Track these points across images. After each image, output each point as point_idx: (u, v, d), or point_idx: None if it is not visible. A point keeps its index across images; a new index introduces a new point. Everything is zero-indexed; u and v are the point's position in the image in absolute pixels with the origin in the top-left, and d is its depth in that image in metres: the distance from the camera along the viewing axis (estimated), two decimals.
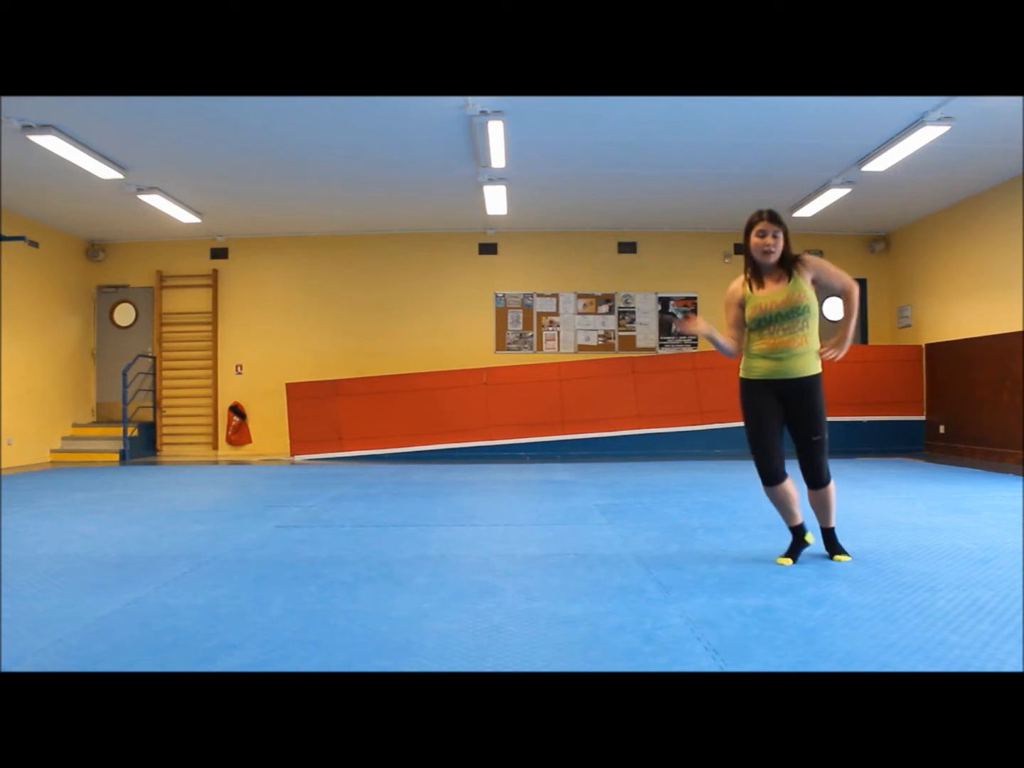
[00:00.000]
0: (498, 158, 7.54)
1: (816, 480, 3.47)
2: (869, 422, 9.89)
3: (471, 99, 6.07)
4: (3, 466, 8.97)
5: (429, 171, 8.21)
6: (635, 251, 11.12)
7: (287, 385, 10.02)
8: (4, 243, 8.80)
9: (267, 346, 11.03)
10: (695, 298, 11.09)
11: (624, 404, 9.91)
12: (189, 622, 2.67)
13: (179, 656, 2.32)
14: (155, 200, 8.84)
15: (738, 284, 3.50)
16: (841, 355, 3.47)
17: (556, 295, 11.11)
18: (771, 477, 3.47)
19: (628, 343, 11.08)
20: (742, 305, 3.47)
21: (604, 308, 11.07)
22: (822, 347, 3.44)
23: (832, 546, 3.57)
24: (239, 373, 11.10)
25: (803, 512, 3.58)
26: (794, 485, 3.52)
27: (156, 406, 11.07)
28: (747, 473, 7.47)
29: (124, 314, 11.31)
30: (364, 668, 2.20)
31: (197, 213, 9.63)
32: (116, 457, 10.20)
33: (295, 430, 9.92)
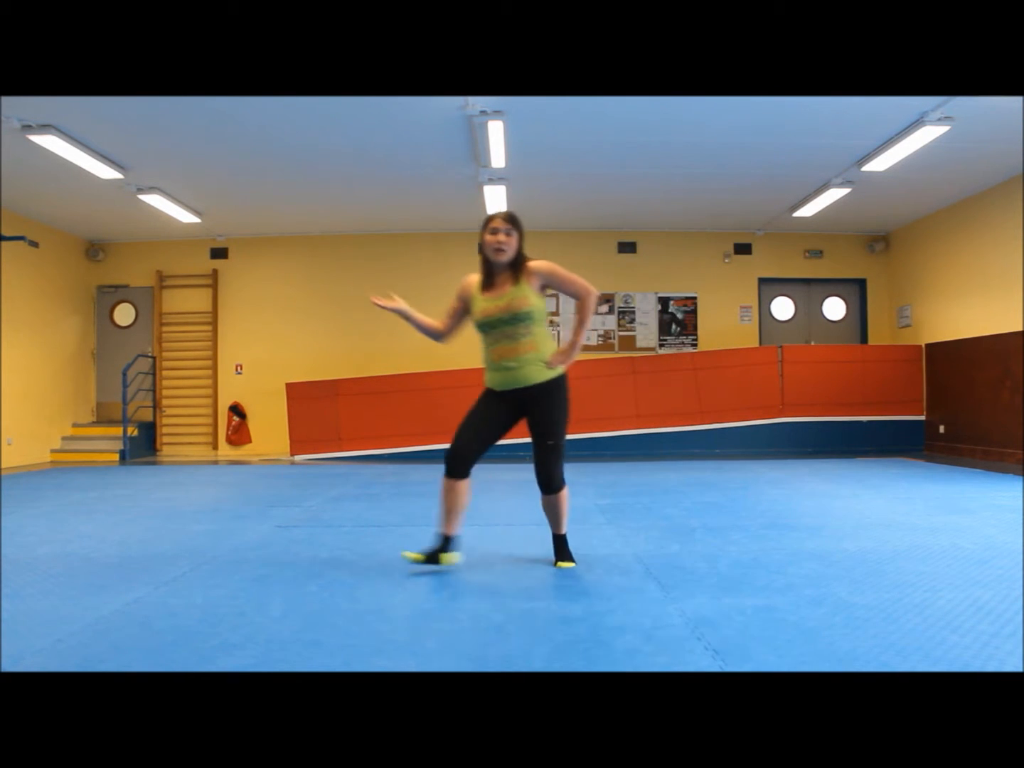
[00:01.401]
0: (498, 158, 7.54)
1: (548, 486, 3.37)
2: (869, 422, 9.89)
3: (471, 99, 6.07)
4: (3, 466, 8.97)
5: (429, 171, 8.21)
6: (635, 251, 11.12)
7: (287, 385, 10.02)
8: (4, 243, 8.80)
9: (267, 346, 11.03)
10: (695, 298, 11.09)
11: (624, 404, 9.90)
12: (189, 622, 2.67)
13: (179, 656, 2.32)
14: (155, 200, 8.84)
15: (470, 279, 3.42)
16: (568, 363, 3.35)
17: (556, 295, 11.10)
18: (457, 468, 3.31)
19: (628, 343, 11.08)
20: (466, 301, 3.39)
21: (604, 308, 11.07)
22: (552, 356, 3.33)
23: (560, 552, 3.48)
24: (239, 373, 11.10)
25: (536, 521, 3.49)
26: (470, 494, 3.40)
27: (156, 406, 11.07)
28: (747, 473, 7.49)
29: (124, 314, 11.31)
30: (364, 668, 2.20)
31: (197, 213, 9.63)
32: (116, 457, 10.20)
33: (295, 430, 9.92)
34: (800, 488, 6.31)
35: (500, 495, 6.28)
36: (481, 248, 3.34)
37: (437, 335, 3.50)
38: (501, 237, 3.25)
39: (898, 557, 3.60)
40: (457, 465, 3.32)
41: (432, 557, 3.36)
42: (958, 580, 3.14)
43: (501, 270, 3.32)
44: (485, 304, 3.30)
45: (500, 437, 3.41)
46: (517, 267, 3.30)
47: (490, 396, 3.40)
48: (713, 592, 2.98)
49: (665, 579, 3.20)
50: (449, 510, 3.35)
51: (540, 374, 3.30)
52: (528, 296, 3.27)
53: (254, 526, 4.74)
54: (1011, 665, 2.14)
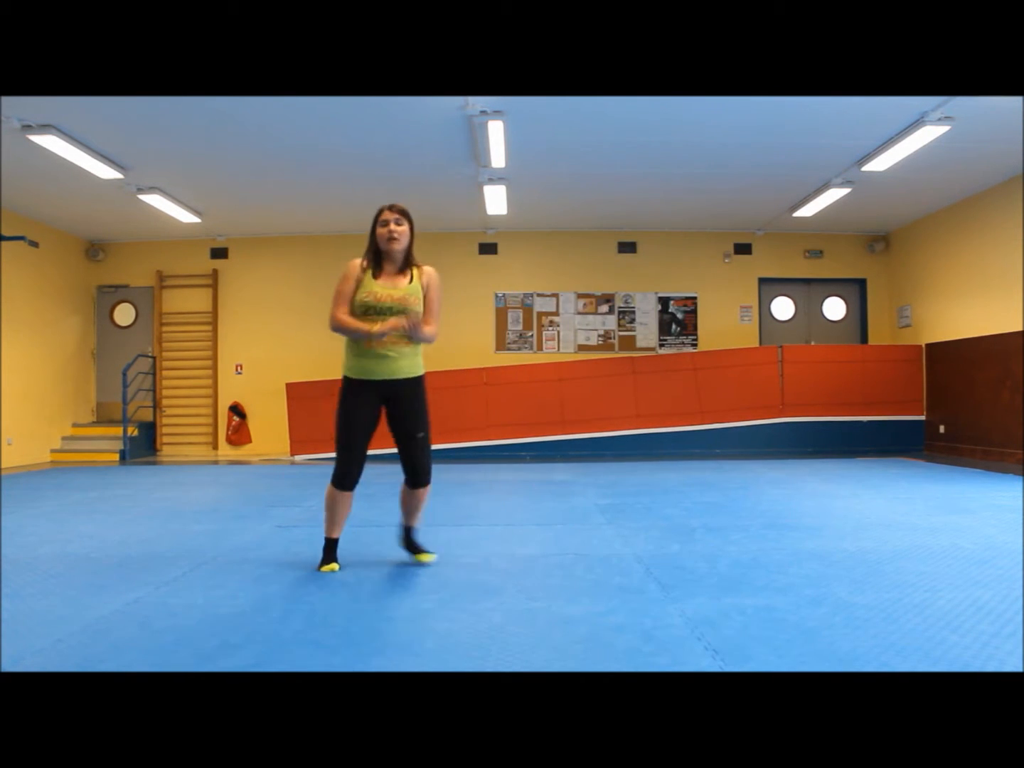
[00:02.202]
0: (498, 158, 7.54)
1: (425, 477, 3.44)
2: (869, 422, 9.89)
3: (471, 99, 6.07)
4: (3, 466, 8.97)
5: (429, 171, 8.21)
6: (635, 251, 11.11)
7: (287, 385, 10.01)
8: (4, 243, 8.80)
9: (267, 346, 11.03)
10: (695, 298, 11.09)
11: (624, 404, 9.90)
12: (189, 622, 2.67)
13: (179, 656, 2.32)
14: (155, 200, 8.84)
15: (359, 261, 3.40)
16: (412, 333, 3.31)
17: (556, 295, 11.11)
18: (351, 481, 3.40)
19: (628, 343, 11.07)
20: (357, 283, 3.36)
21: (604, 308, 11.07)
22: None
23: (413, 545, 3.57)
24: (239, 373, 11.10)
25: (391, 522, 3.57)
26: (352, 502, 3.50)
27: (156, 406, 11.07)
28: (747, 473, 7.49)
29: (124, 314, 11.31)
30: (364, 668, 2.20)
31: (197, 213, 9.63)
32: (116, 457, 10.20)
33: (295, 430, 9.92)
34: (800, 488, 6.31)
35: (500, 495, 6.29)
36: (372, 238, 3.38)
37: (367, 334, 3.34)
38: (392, 227, 3.33)
39: (898, 557, 3.60)
40: (352, 482, 3.43)
41: (332, 556, 3.49)
42: (958, 580, 3.14)
43: (390, 261, 3.38)
44: (379, 290, 3.32)
45: (374, 430, 3.45)
46: (410, 263, 3.40)
47: (361, 393, 3.35)
48: (713, 592, 2.98)
49: (665, 579, 3.20)
50: (340, 518, 3.48)
51: (413, 369, 3.41)
52: (421, 296, 3.38)
53: (254, 526, 4.74)
54: (1011, 665, 2.14)
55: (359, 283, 3.36)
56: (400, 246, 3.36)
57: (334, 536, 3.51)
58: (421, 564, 3.54)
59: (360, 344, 3.33)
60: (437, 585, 3.17)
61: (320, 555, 3.52)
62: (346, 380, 3.41)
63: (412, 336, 3.33)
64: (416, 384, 3.42)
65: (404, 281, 3.37)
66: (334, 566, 3.46)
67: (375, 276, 3.35)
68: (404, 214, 3.38)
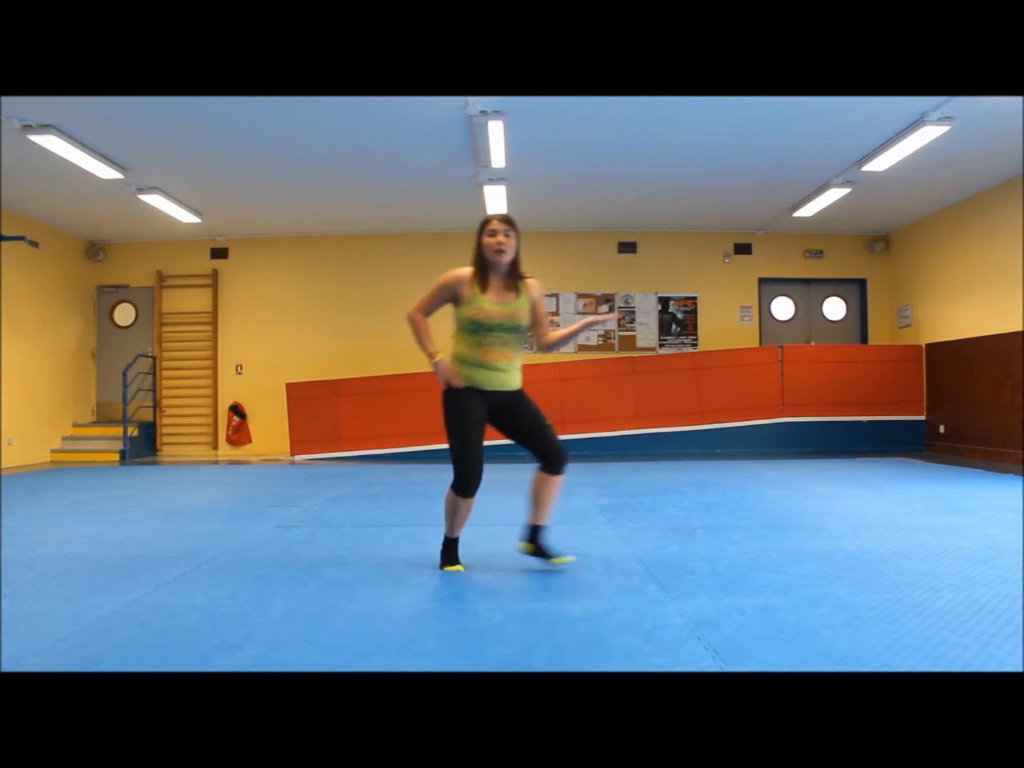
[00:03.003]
0: (498, 158, 7.53)
1: (564, 457, 3.36)
2: (869, 422, 9.89)
3: (471, 99, 6.07)
4: (3, 466, 8.97)
5: (429, 171, 8.21)
6: (635, 251, 11.11)
7: (287, 385, 10.01)
8: (4, 243, 8.80)
9: (267, 346, 11.03)
10: (695, 298, 11.09)
11: (624, 404, 9.90)
12: (189, 622, 2.67)
13: (179, 656, 2.32)
14: (155, 200, 8.84)
15: (465, 275, 3.31)
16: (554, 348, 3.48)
17: (556, 295, 11.10)
18: (472, 489, 3.34)
19: (628, 343, 11.07)
20: (456, 295, 3.31)
21: (604, 308, 11.06)
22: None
23: (544, 548, 3.43)
24: (239, 373, 11.10)
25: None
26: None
27: (156, 406, 11.07)
28: (747, 473, 7.49)
29: (124, 314, 11.31)
30: (364, 668, 2.20)
31: (197, 213, 9.63)
32: (116, 457, 10.20)
33: (295, 430, 9.92)
34: (800, 488, 6.31)
35: (500, 495, 6.28)
36: (478, 249, 3.30)
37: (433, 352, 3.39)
38: (500, 238, 3.24)
39: (898, 557, 3.60)
40: (474, 490, 3.37)
41: (455, 556, 3.47)
42: (958, 580, 3.14)
43: (497, 273, 3.30)
44: (488, 306, 3.26)
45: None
46: (518, 276, 3.32)
47: (470, 401, 3.31)
48: (713, 592, 2.98)
49: (665, 579, 3.20)
50: (461, 520, 3.45)
51: (517, 381, 3.39)
52: (528, 310, 3.34)
53: (254, 526, 4.74)
54: (1011, 665, 2.14)
55: (465, 298, 3.29)
56: (508, 258, 3.27)
57: (454, 536, 3.48)
58: (553, 567, 3.42)
59: (475, 355, 3.30)
60: (437, 585, 3.17)
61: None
62: (456, 391, 3.34)
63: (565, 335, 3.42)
64: (521, 394, 3.41)
65: (512, 296, 3.30)
66: (459, 567, 3.44)
67: (483, 291, 3.29)
68: (512, 224, 3.29)
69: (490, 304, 3.26)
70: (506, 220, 3.29)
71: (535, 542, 3.43)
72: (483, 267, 3.30)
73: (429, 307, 3.40)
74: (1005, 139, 6.91)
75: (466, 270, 3.34)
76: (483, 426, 3.35)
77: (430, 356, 3.33)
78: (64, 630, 2.57)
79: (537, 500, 3.40)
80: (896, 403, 9.95)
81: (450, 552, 3.48)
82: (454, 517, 3.41)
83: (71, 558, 3.78)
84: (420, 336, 3.38)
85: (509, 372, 3.32)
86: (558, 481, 3.38)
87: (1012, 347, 8.09)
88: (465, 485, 3.32)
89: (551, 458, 3.36)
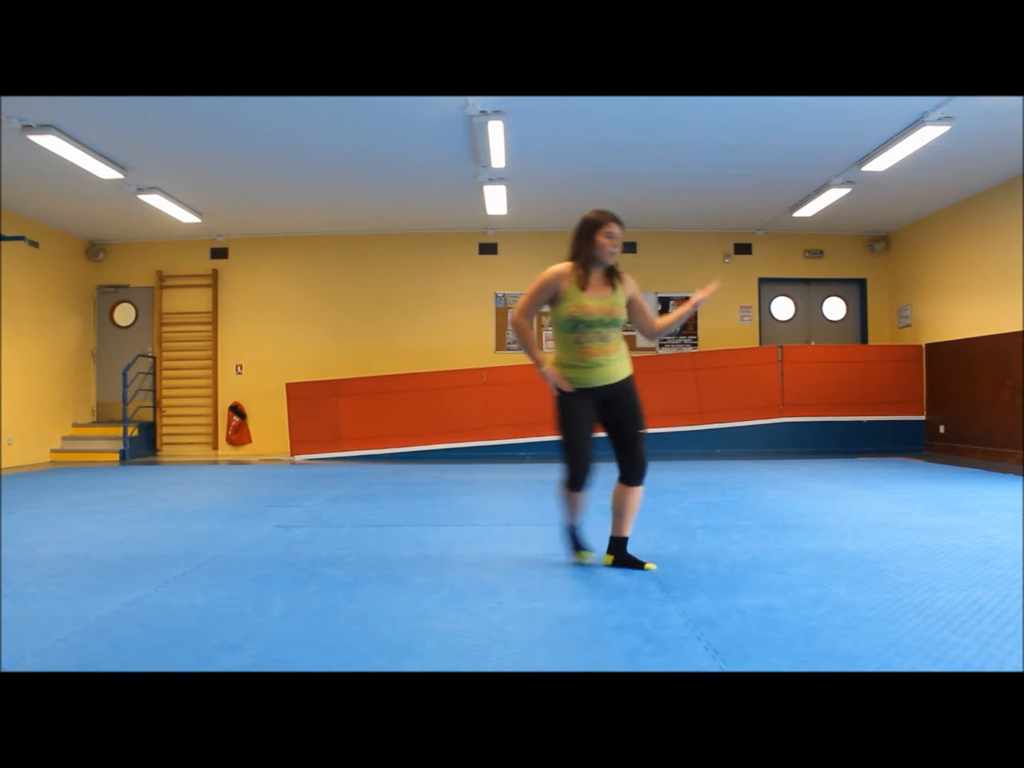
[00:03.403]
0: (498, 158, 7.53)
1: (642, 471, 3.40)
2: (869, 422, 9.89)
3: (471, 99, 6.07)
4: (3, 466, 8.97)
5: (429, 171, 8.21)
6: (635, 251, 11.11)
7: (287, 385, 10.01)
8: (4, 243, 8.80)
9: (267, 346, 11.03)
10: None
11: None
12: (189, 622, 2.67)
13: (179, 656, 2.32)
14: (155, 200, 8.84)
15: (565, 270, 3.35)
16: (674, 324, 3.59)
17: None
18: (582, 484, 3.42)
19: (628, 343, 11.04)
20: (557, 293, 3.34)
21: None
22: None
23: (630, 558, 3.43)
24: (239, 373, 11.10)
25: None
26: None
27: (156, 406, 11.07)
28: (747, 473, 7.49)
29: (124, 314, 11.31)
30: (364, 668, 2.20)
31: (197, 213, 9.62)
32: (116, 457, 10.20)
33: (295, 430, 9.92)
34: (800, 488, 6.31)
35: (500, 495, 6.29)
36: (586, 246, 3.33)
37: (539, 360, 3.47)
38: (617, 242, 3.32)
39: (898, 557, 3.60)
40: (584, 484, 3.44)
41: (580, 546, 3.55)
42: (958, 580, 3.14)
43: (599, 272, 3.37)
44: (588, 302, 3.31)
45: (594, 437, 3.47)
46: (614, 273, 3.38)
47: (578, 398, 3.40)
48: (713, 592, 2.98)
49: (665, 579, 3.20)
50: (578, 512, 3.52)
51: (623, 371, 3.43)
52: (624, 304, 3.38)
53: (254, 526, 4.74)
54: (1011, 665, 2.14)
55: (565, 295, 3.33)
56: (615, 261, 3.37)
57: (574, 524, 3.55)
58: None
59: (572, 355, 3.37)
60: (437, 585, 3.17)
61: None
62: (563, 392, 3.44)
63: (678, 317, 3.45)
64: (628, 384, 3.44)
65: (609, 291, 3.35)
66: (588, 555, 3.51)
67: (582, 288, 3.33)
68: (623, 226, 3.40)
69: (589, 300, 3.31)
70: (621, 223, 3.38)
71: (619, 553, 3.46)
72: (589, 265, 3.34)
73: (532, 309, 3.45)
74: (1005, 139, 6.91)
75: (564, 266, 3.38)
76: (592, 422, 3.44)
77: (538, 365, 3.42)
78: (64, 630, 2.57)
79: (618, 511, 3.46)
80: (896, 403, 9.95)
81: (575, 541, 3.56)
82: (570, 508, 3.51)
83: (71, 558, 3.78)
84: (528, 345, 3.47)
85: (609, 366, 3.38)
86: (637, 492, 3.44)
87: (1012, 347, 8.09)
88: (575, 481, 3.43)
89: (629, 469, 3.43)
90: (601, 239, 3.30)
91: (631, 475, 3.41)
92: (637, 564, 3.41)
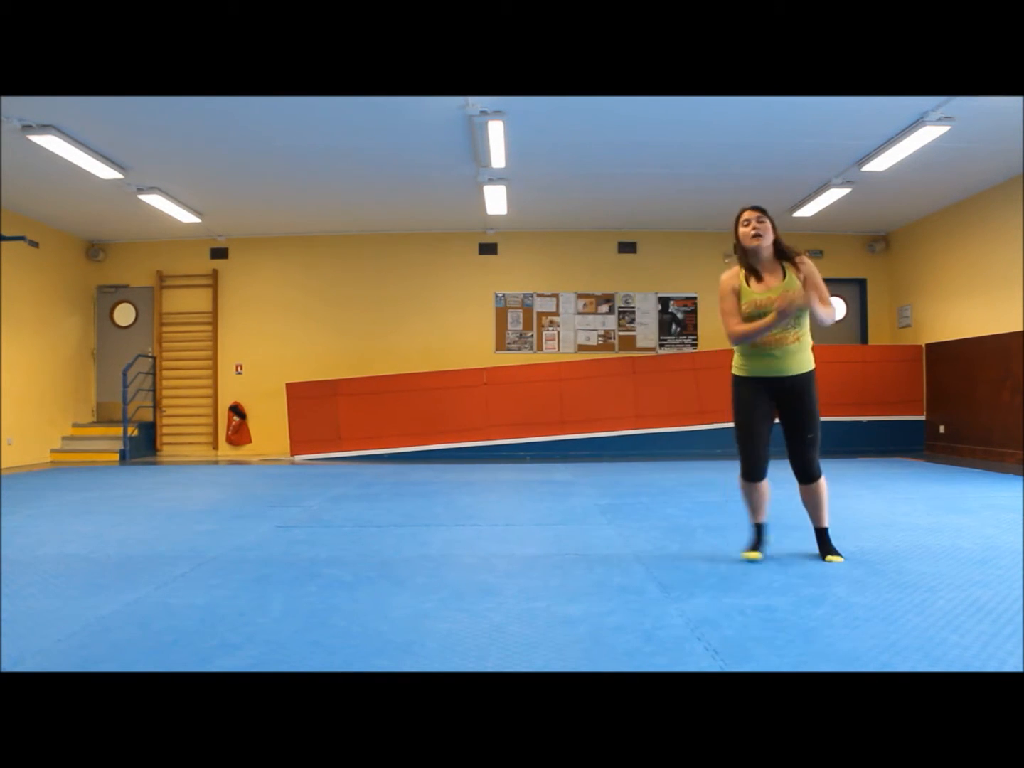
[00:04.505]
0: (498, 158, 7.53)
1: (806, 474, 3.52)
2: (869, 422, 9.89)
3: (471, 99, 6.07)
4: (3, 466, 8.97)
5: (429, 171, 8.21)
6: (635, 251, 11.11)
7: (287, 385, 10.02)
8: (4, 243, 8.80)
9: (267, 346, 11.03)
10: (695, 298, 11.09)
11: (624, 404, 9.90)
12: (189, 622, 2.67)
13: (179, 656, 2.32)
14: (155, 200, 8.84)
15: (732, 274, 3.48)
16: (786, 308, 3.29)
17: (556, 295, 11.11)
18: (758, 473, 3.51)
19: (628, 343, 11.07)
20: (737, 295, 3.44)
21: (604, 308, 11.07)
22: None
23: (825, 547, 3.55)
24: (239, 373, 11.10)
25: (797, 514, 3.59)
26: (769, 487, 3.59)
27: (156, 406, 11.07)
28: None
29: (124, 314, 11.31)
30: (364, 668, 2.20)
31: (197, 213, 9.62)
32: (116, 457, 10.20)
33: (295, 430, 9.92)
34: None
35: (500, 495, 6.29)
36: (737, 242, 3.42)
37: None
38: (754, 224, 3.36)
39: (898, 557, 3.60)
40: (757, 474, 3.50)
41: (759, 543, 3.58)
42: (958, 580, 3.14)
43: (765, 261, 3.40)
44: (758, 296, 3.36)
45: (772, 422, 3.51)
46: (784, 257, 3.41)
47: (750, 389, 3.45)
48: (713, 592, 2.98)
49: (665, 579, 3.20)
50: (758, 506, 3.58)
51: (805, 364, 3.45)
52: (798, 289, 3.32)
53: (254, 526, 4.74)
54: (1011, 665, 2.14)
55: (738, 294, 3.40)
56: (766, 242, 3.37)
57: (759, 521, 3.59)
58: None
59: (748, 344, 3.41)
60: (437, 585, 3.17)
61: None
62: (736, 379, 3.51)
63: (785, 315, 3.24)
64: (807, 380, 3.46)
65: (778, 279, 3.39)
66: (756, 555, 3.52)
67: (749, 283, 3.39)
68: (764, 211, 3.43)
69: (759, 294, 3.37)
70: (756, 208, 3.41)
71: (820, 543, 3.57)
72: (746, 259, 3.41)
73: (731, 316, 3.44)
74: (1005, 139, 6.91)
75: (730, 272, 3.48)
76: (766, 412, 3.47)
77: (770, 325, 3.30)
78: (64, 630, 2.57)
79: (807, 506, 3.58)
80: (896, 403, 9.94)
81: (753, 538, 3.59)
82: (751, 502, 3.56)
83: (71, 558, 3.78)
84: (757, 329, 3.35)
85: (783, 358, 3.40)
86: (814, 487, 3.53)
87: (1012, 347, 8.09)
88: (749, 471, 3.50)
89: (795, 469, 3.54)
90: (740, 229, 3.40)
91: (797, 475, 3.54)
92: (829, 551, 3.50)
